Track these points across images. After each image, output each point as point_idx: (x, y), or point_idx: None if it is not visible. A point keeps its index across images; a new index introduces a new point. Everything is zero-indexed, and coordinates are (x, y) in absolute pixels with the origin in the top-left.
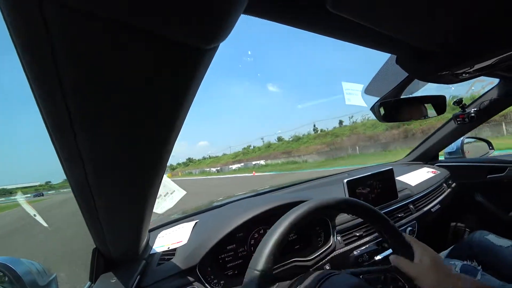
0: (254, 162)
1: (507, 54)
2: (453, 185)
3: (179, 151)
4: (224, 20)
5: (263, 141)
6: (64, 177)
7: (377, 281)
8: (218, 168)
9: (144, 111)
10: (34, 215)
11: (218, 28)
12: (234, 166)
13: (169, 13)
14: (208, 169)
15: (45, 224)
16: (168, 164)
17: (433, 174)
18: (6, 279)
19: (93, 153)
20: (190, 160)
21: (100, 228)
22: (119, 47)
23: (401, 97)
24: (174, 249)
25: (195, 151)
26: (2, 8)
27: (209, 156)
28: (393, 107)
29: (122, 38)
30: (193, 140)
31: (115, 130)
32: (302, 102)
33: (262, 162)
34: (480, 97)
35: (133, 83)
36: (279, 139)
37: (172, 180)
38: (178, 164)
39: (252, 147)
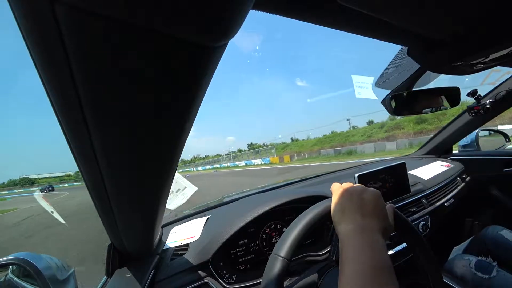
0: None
1: None
2: (468, 179)
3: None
4: (234, 16)
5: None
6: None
7: None
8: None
9: (156, 109)
10: (52, 211)
11: (228, 25)
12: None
13: (178, 12)
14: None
15: (62, 221)
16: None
17: (447, 168)
18: (27, 274)
19: (107, 152)
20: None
21: (115, 225)
22: (129, 47)
23: (413, 89)
24: (187, 245)
25: (223, 145)
26: (15, 11)
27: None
28: (405, 100)
29: (133, 39)
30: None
31: (128, 128)
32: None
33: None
34: (496, 87)
35: (145, 82)
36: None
37: None
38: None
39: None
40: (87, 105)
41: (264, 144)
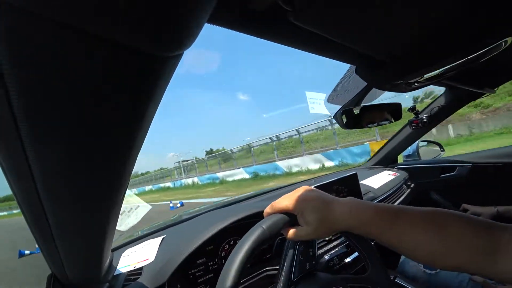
0: None
1: (451, 65)
2: (412, 185)
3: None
4: (188, 28)
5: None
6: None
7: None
8: None
9: (103, 121)
10: None
11: (182, 37)
12: None
13: (128, 19)
14: None
15: None
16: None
17: (394, 177)
18: None
19: (45, 166)
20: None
21: (56, 251)
22: (71, 53)
23: (361, 105)
24: (141, 268)
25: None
26: None
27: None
28: (354, 115)
29: (74, 43)
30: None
31: (70, 144)
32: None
33: None
34: (431, 104)
35: (89, 93)
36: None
37: None
38: None
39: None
40: (21, 117)
41: (223, 148)
